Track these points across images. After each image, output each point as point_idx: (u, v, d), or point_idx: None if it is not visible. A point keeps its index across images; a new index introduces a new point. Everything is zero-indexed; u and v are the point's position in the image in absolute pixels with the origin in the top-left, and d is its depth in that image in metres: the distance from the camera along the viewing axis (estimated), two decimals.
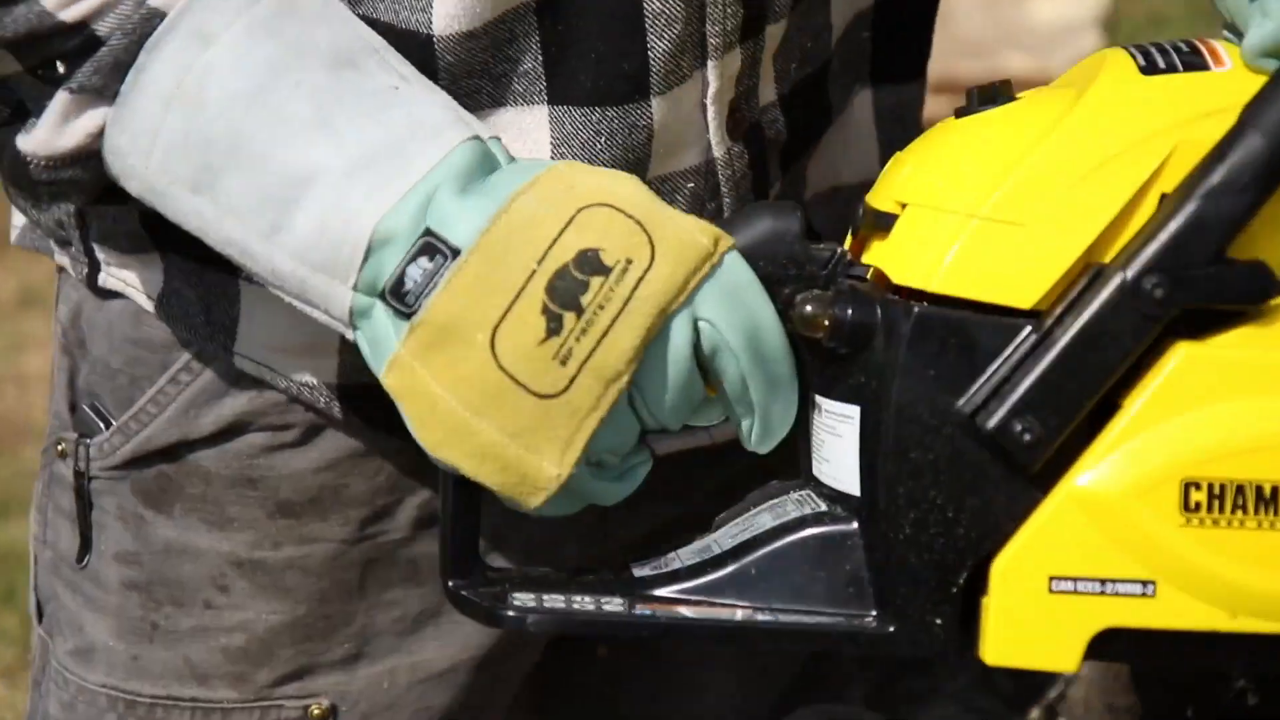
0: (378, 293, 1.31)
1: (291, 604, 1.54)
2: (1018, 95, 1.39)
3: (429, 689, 1.59)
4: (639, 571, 1.39)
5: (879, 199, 1.39)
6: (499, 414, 1.30)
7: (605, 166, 1.46)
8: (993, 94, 1.39)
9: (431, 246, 1.29)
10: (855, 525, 1.36)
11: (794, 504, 1.41)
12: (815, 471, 1.40)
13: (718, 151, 1.52)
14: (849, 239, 1.41)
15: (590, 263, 1.29)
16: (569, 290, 1.28)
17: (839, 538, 1.36)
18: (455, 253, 1.29)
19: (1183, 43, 1.39)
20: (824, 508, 1.38)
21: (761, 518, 1.41)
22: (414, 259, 1.29)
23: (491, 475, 1.32)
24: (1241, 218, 1.30)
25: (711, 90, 1.50)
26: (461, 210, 1.29)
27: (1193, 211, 1.30)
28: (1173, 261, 1.30)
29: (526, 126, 1.46)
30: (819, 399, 1.39)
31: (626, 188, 1.32)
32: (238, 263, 1.37)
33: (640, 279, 1.29)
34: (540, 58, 1.45)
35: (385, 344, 1.31)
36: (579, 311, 1.28)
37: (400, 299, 1.30)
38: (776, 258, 1.36)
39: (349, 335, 1.35)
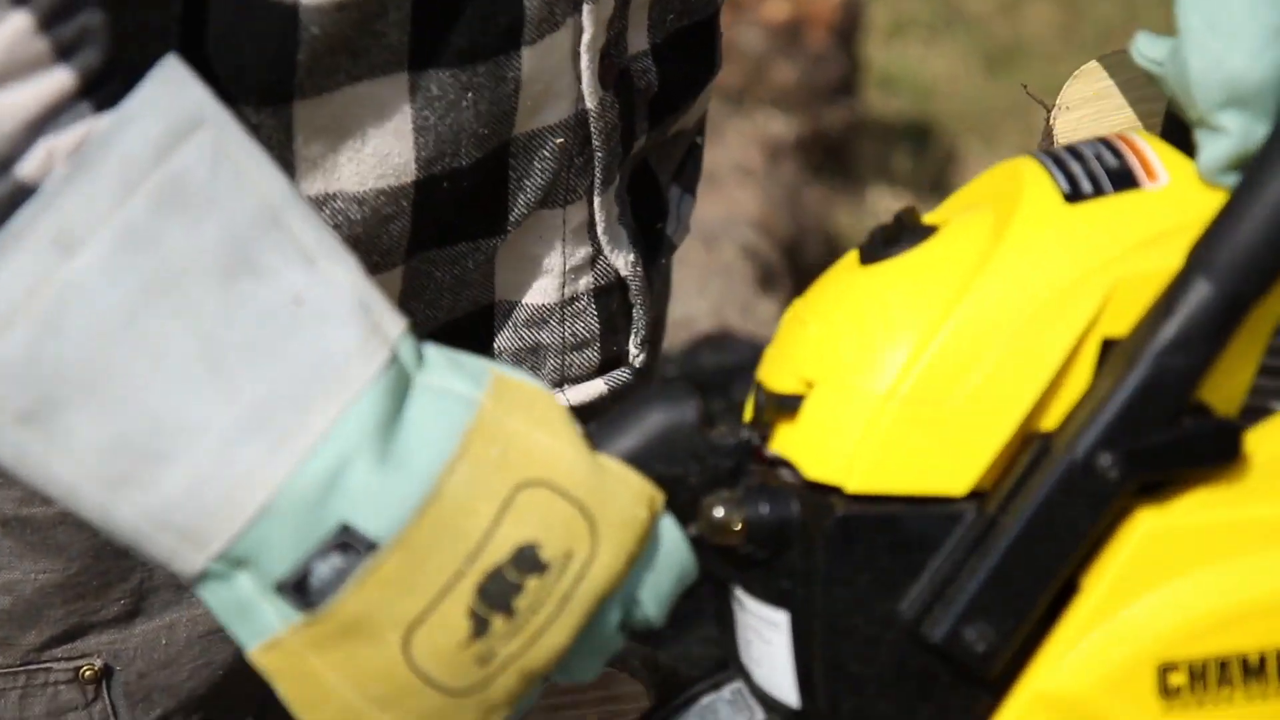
0: (270, 583, 1.11)
1: (64, 562, 1.43)
2: (925, 225, 1.22)
3: (211, 644, 1.50)
4: None
5: (780, 375, 1.22)
6: (404, 709, 1.13)
7: (471, 127, 1.34)
8: (898, 231, 1.22)
9: (347, 543, 1.10)
10: None
11: (728, 710, 1.26)
12: (745, 669, 1.25)
13: (590, 102, 1.40)
14: (748, 412, 1.25)
15: (527, 561, 1.11)
16: (501, 593, 1.11)
17: None
18: (371, 547, 1.11)
19: (1106, 149, 1.22)
20: (761, 717, 1.24)
21: None
22: (324, 555, 1.10)
23: None
24: (1196, 377, 1.14)
25: (586, 37, 1.37)
26: (381, 496, 1.09)
27: (1143, 376, 1.14)
28: (1126, 435, 1.14)
29: (385, 99, 1.32)
30: (741, 595, 1.23)
31: (565, 449, 1.13)
32: (48, 495, 1.17)
33: (580, 575, 1.12)
34: (409, 28, 1.30)
35: (257, 619, 1.13)
36: (510, 614, 1.11)
37: (303, 595, 1.11)
38: (675, 455, 1.19)
39: (179, 573, 1.17)
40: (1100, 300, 1.17)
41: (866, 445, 1.17)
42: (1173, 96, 1.24)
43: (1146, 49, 1.25)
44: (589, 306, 1.53)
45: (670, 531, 1.19)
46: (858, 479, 1.17)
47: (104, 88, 1.12)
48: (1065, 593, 1.18)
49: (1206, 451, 1.16)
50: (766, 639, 1.22)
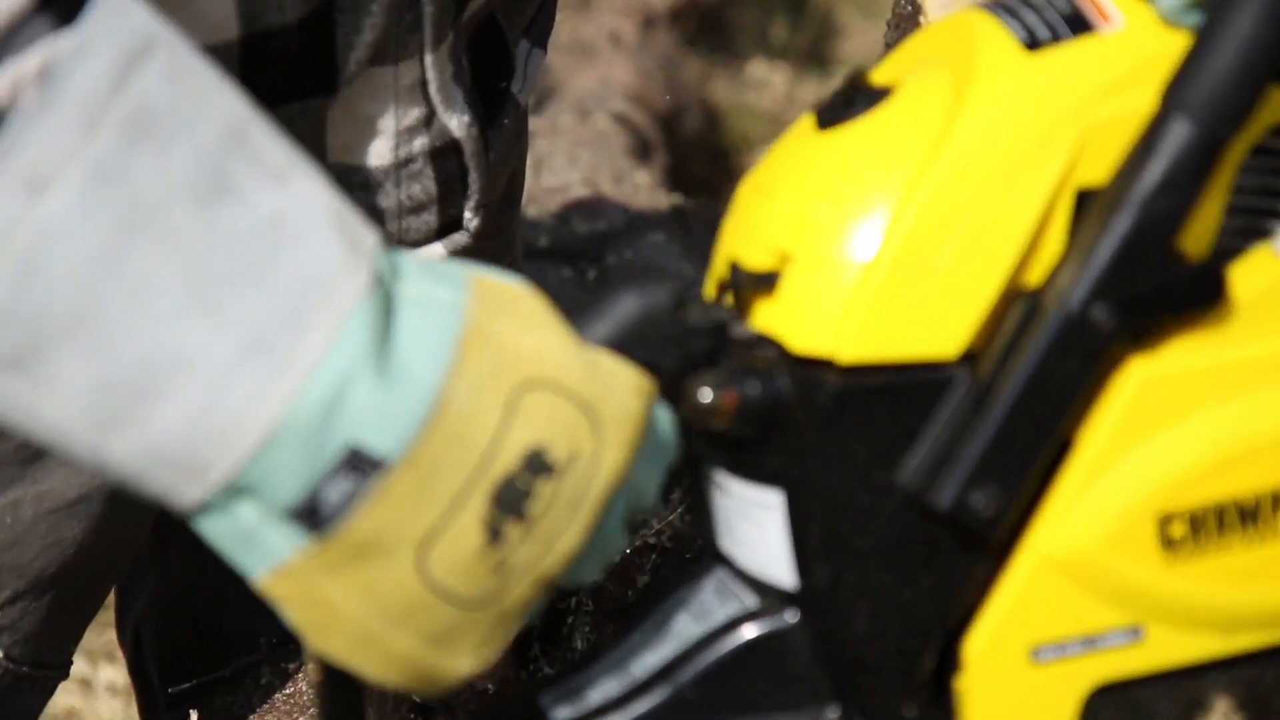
0: (278, 510, 1.06)
1: None
2: (878, 86, 1.19)
3: (59, 520, 1.47)
4: (557, 714, 1.21)
5: (752, 249, 1.18)
6: (418, 624, 1.10)
7: None
8: (852, 94, 1.19)
9: (356, 463, 1.06)
10: (793, 619, 1.20)
11: (714, 597, 1.23)
12: (730, 555, 1.23)
13: None
14: (709, 289, 1.22)
15: (537, 464, 1.08)
16: (514, 500, 1.08)
17: (779, 636, 1.20)
18: (380, 465, 1.06)
19: None
20: (751, 603, 1.21)
21: (680, 621, 1.23)
22: (333, 476, 1.06)
23: (398, 678, 1.13)
24: (1183, 218, 1.13)
25: None
26: (386, 412, 1.05)
27: (1131, 222, 1.13)
28: (1118, 284, 1.13)
29: None
30: (724, 479, 1.20)
31: (557, 347, 1.10)
32: (36, 440, 1.11)
33: (588, 474, 1.09)
34: None
35: (263, 547, 1.08)
36: (523, 520, 1.08)
37: (313, 520, 1.07)
38: (652, 342, 1.16)
39: (174, 511, 1.11)
40: (1072, 149, 1.15)
41: (854, 315, 1.14)
42: None
43: None
44: (425, 168, 1.50)
45: (660, 419, 1.16)
46: (849, 350, 1.14)
47: (58, 2, 1.06)
48: (1061, 451, 1.16)
49: (1195, 295, 1.15)
50: (757, 520, 1.19)
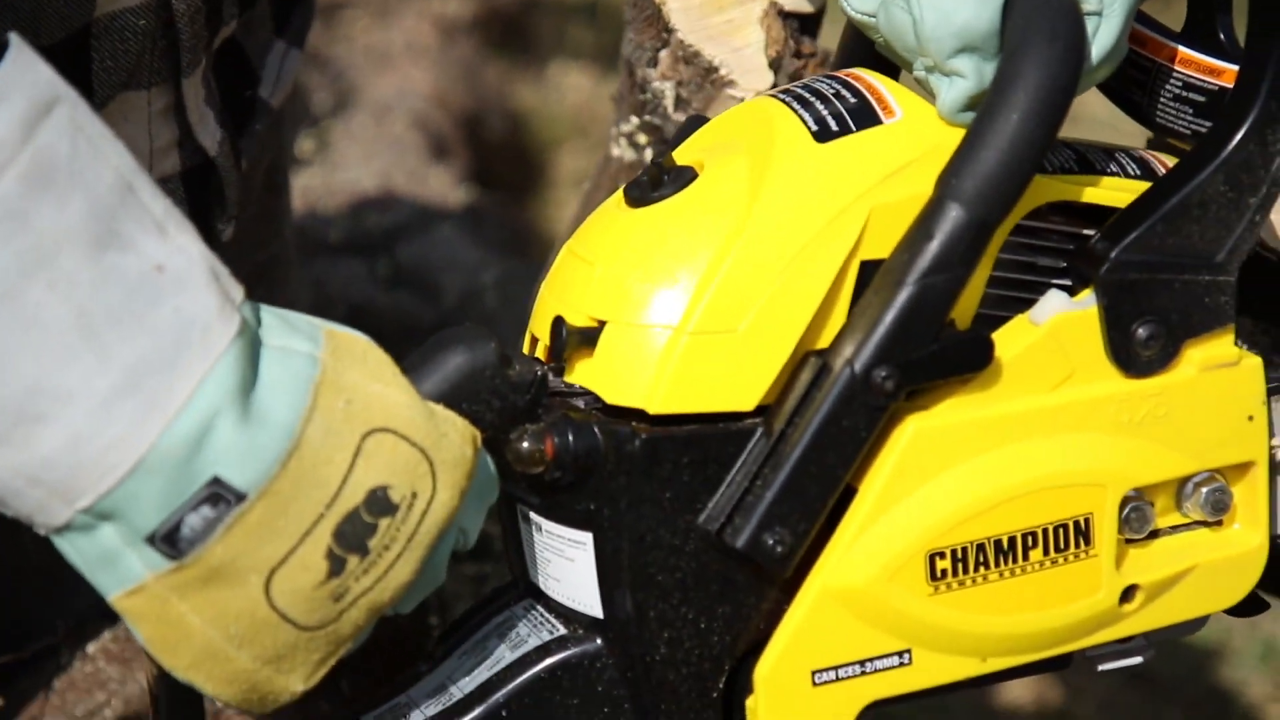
0: (140, 535, 1.16)
1: None
2: (682, 170, 1.32)
3: None
4: None
5: (571, 310, 1.31)
6: (260, 645, 1.20)
7: (52, 6, 1.39)
8: (660, 176, 1.32)
9: (217, 496, 1.16)
10: (600, 643, 1.32)
11: (526, 626, 1.35)
12: (542, 587, 1.35)
13: None
14: (539, 349, 1.33)
15: (379, 503, 1.19)
16: (356, 534, 1.19)
17: (587, 660, 1.32)
18: (241, 497, 1.16)
19: (844, 88, 1.34)
20: (562, 629, 1.33)
21: (494, 646, 1.35)
22: (196, 506, 1.16)
23: (234, 695, 1.23)
24: (956, 293, 1.27)
25: None
26: (247, 449, 1.16)
27: (909, 297, 1.26)
28: (898, 350, 1.27)
29: None
30: (539, 520, 1.32)
31: (401, 397, 1.21)
32: None
33: (424, 512, 1.21)
34: None
35: (121, 568, 1.18)
36: (364, 554, 1.19)
37: (173, 545, 1.16)
38: (478, 395, 1.27)
39: (38, 529, 1.20)
40: (858, 228, 1.29)
41: (663, 371, 1.27)
42: (886, 44, 1.37)
43: (857, 3, 1.37)
44: (178, 188, 1.58)
45: (483, 465, 1.27)
46: (658, 402, 1.27)
47: None
48: (844, 497, 1.30)
49: (964, 360, 1.29)
50: (569, 557, 1.31)
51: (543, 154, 3.42)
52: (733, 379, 1.28)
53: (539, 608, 1.35)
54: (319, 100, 3.20)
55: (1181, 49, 1.40)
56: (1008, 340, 1.32)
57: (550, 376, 1.30)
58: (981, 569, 1.32)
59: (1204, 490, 1.37)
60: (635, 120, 1.72)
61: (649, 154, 1.73)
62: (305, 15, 1.73)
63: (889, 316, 1.27)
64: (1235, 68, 1.36)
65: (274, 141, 1.80)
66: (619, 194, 1.34)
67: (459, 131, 3.01)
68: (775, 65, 1.66)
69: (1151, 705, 2.52)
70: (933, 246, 1.26)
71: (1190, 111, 1.39)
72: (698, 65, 1.67)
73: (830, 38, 1.73)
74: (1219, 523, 1.38)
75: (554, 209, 3.40)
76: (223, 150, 1.56)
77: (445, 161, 2.83)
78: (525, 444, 1.27)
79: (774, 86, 1.67)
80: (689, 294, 1.27)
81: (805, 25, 1.72)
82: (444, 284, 2.50)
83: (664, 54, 1.70)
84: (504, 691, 1.32)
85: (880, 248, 1.29)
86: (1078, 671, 1.43)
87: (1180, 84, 1.39)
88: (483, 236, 2.57)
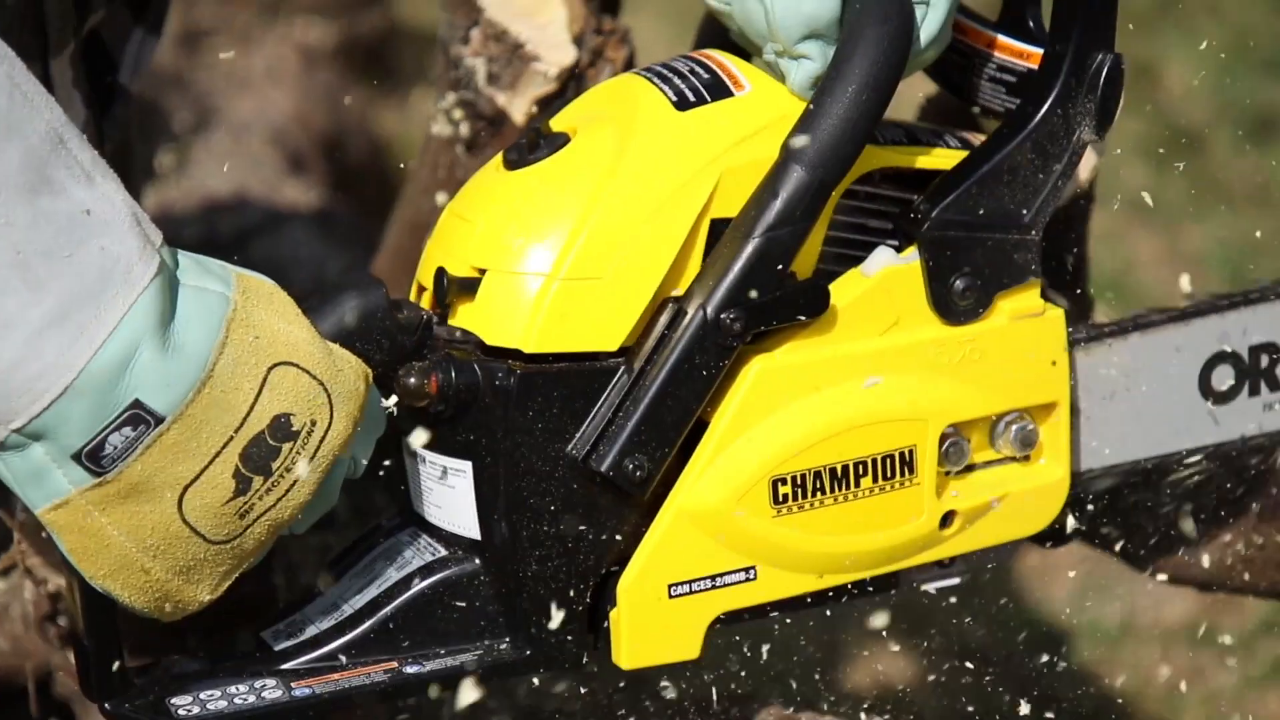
0: (67, 453, 1.29)
1: None
2: (557, 133, 1.47)
3: None
4: (278, 645, 1.46)
5: (454, 262, 1.45)
6: (171, 556, 1.34)
7: None
8: (537, 141, 1.47)
9: (138, 417, 1.29)
10: (477, 563, 1.47)
11: (411, 550, 1.49)
12: (425, 514, 1.49)
13: None
14: (425, 298, 1.48)
15: (282, 429, 1.33)
16: (261, 457, 1.33)
17: (465, 578, 1.47)
18: (159, 420, 1.30)
19: (698, 65, 1.50)
20: (443, 551, 1.48)
21: (381, 568, 1.49)
22: (118, 427, 1.29)
23: (147, 603, 1.36)
24: (797, 246, 1.44)
25: None
26: (166, 377, 1.30)
27: (755, 248, 1.43)
28: (745, 295, 1.43)
29: None
30: (422, 451, 1.47)
31: (303, 334, 1.35)
32: None
33: (323, 438, 1.35)
34: None
35: (48, 483, 1.31)
36: (267, 475, 1.33)
37: (96, 462, 1.30)
38: (370, 336, 1.41)
39: None
40: (711, 188, 1.45)
41: (537, 315, 1.42)
42: (740, 32, 1.53)
43: None
44: None
45: (374, 395, 1.42)
46: (532, 342, 1.42)
47: None
48: (698, 429, 1.46)
49: (805, 305, 1.46)
50: (450, 485, 1.46)
51: (401, 176, 3.54)
52: (599, 322, 1.43)
53: (423, 534, 1.50)
54: (180, 119, 3.30)
55: (998, 36, 1.57)
56: (842, 290, 1.49)
57: (435, 321, 1.45)
58: (818, 494, 1.48)
59: (1014, 428, 1.54)
60: (451, 97, 1.86)
61: (464, 129, 1.86)
62: (162, 3, 1.82)
63: (737, 265, 1.43)
64: (1041, 51, 1.53)
65: (129, 126, 1.90)
66: (497, 159, 1.50)
67: (317, 150, 3.12)
68: (579, 41, 1.80)
69: None
70: (777, 204, 1.43)
71: (1004, 90, 1.57)
72: (506, 42, 1.80)
73: (629, 15, 1.89)
74: (1027, 458, 1.55)
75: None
76: (87, 133, 1.66)
77: (301, 175, 2.94)
78: (412, 380, 1.42)
79: (576, 62, 1.81)
80: (560, 245, 1.43)
81: (606, 3, 1.86)
82: (292, 278, 2.60)
83: (475, 32, 1.83)
84: (391, 607, 1.46)
85: (730, 207, 1.45)
86: (905, 594, 1.59)
87: (996, 66, 1.57)
88: (332, 235, 2.68)
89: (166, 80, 3.38)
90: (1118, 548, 1.73)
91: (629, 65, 1.79)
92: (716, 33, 1.60)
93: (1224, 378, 1.63)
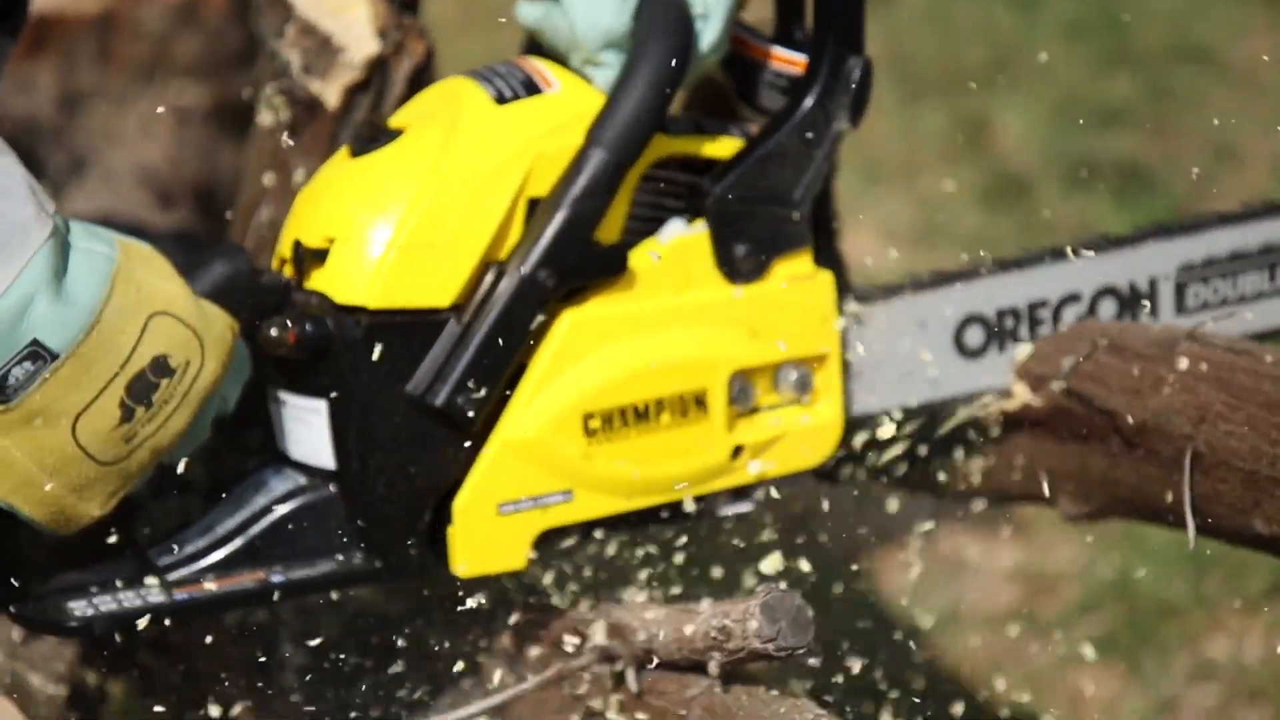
0: None
1: None
2: (393, 129, 1.74)
3: None
4: (161, 559, 1.70)
5: (308, 234, 1.71)
6: (67, 476, 1.58)
7: None
8: (375, 134, 1.73)
9: (36, 354, 1.53)
10: (333, 489, 1.72)
11: (275, 480, 1.74)
12: (286, 450, 1.74)
13: None
14: (288, 269, 1.74)
15: (160, 368, 1.58)
16: (143, 390, 1.58)
17: (323, 502, 1.72)
18: (54, 356, 1.54)
19: (515, 68, 1.77)
20: (304, 480, 1.73)
21: (249, 495, 1.74)
22: (19, 361, 1.53)
23: (45, 517, 1.60)
24: (600, 216, 1.71)
25: None
26: (59, 320, 1.53)
27: (565, 216, 1.70)
28: (556, 256, 1.70)
29: None
30: (283, 395, 1.72)
31: (178, 290, 1.60)
32: None
33: (195, 377, 1.60)
34: None
35: None
36: (149, 406, 1.58)
37: (0, 392, 1.53)
38: (235, 295, 1.67)
39: None
40: (526, 171, 1.71)
41: (379, 276, 1.68)
42: (551, 44, 1.80)
43: (526, 13, 1.81)
44: None
45: (240, 350, 1.67)
46: (376, 299, 1.68)
47: None
48: (519, 373, 1.72)
49: (608, 266, 1.73)
50: (308, 423, 1.72)
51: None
52: (433, 282, 1.70)
53: (285, 467, 1.75)
54: (55, 163, 3.49)
55: (772, 47, 1.85)
56: (640, 254, 1.76)
57: (293, 285, 1.71)
58: (624, 427, 1.74)
59: (793, 375, 1.81)
60: (272, 86, 2.09)
61: (284, 115, 2.10)
62: (21, 7, 1.92)
63: (549, 231, 1.70)
64: (807, 58, 1.81)
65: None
66: (343, 150, 1.76)
67: (188, 191, 3.33)
68: (382, 34, 2.03)
69: None
70: (582, 179, 1.70)
71: (779, 93, 1.84)
72: (316, 36, 2.05)
73: (427, 13, 2.14)
74: (805, 401, 1.83)
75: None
76: None
77: (170, 210, 3.16)
78: (274, 331, 1.68)
79: (380, 53, 2.03)
80: (398, 216, 1.69)
81: (407, 2, 2.09)
82: None
83: (289, 28, 2.06)
84: (258, 527, 1.71)
85: (544, 187, 1.72)
86: (703, 521, 1.85)
87: (772, 73, 1.84)
88: (194, 250, 2.86)
89: (45, 134, 3.59)
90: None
91: (429, 56, 2.04)
92: (534, 47, 1.87)
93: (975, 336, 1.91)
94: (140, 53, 3.38)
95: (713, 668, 1.64)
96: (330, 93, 2.04)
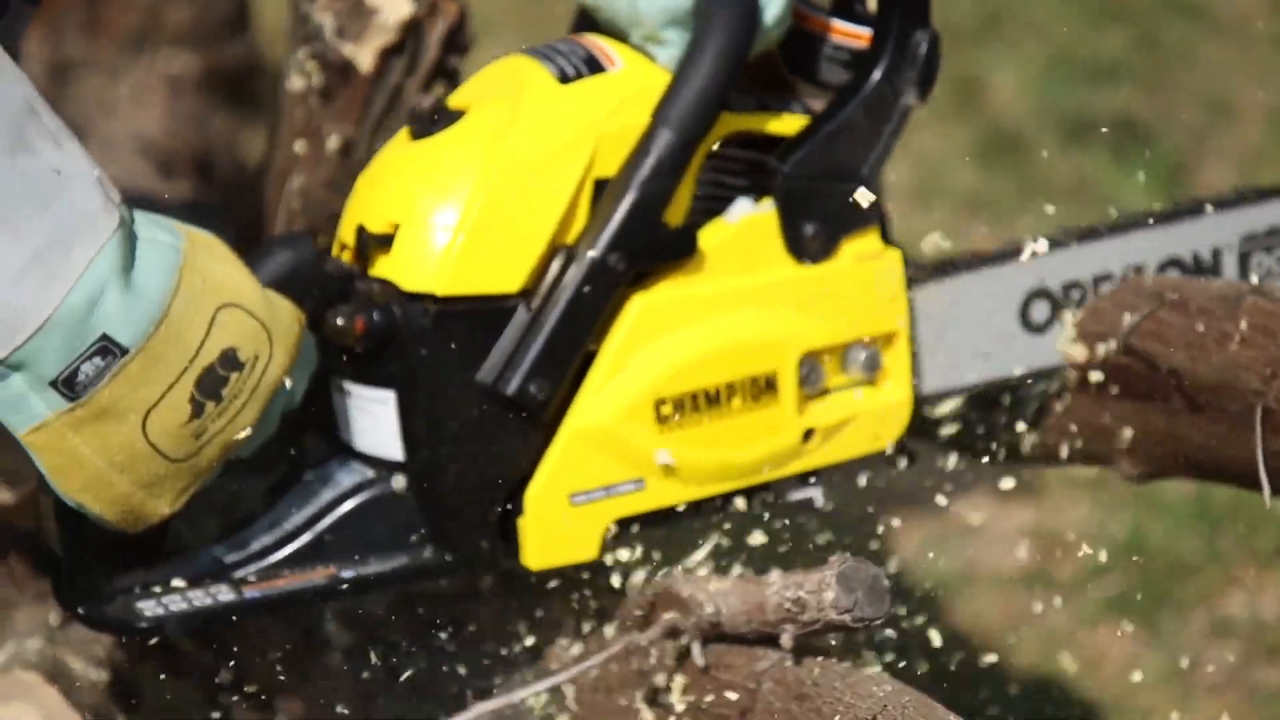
0: (43, 381, 1.48)
1: None
2: (454, 110, 1.70)
3: None
4: (229, 557, 1.67)
5: (371, 219, 1.67)
6: (137, 472, 1.54)
7: None
8: (434, 115, 1.69)
9: (106, 349, 1.49)
10: (402, 481, 1.68)
11: (341, 472, 1.71)
12: (352, 442, 1.70)
13: None
14: (346, 254, 1.70)
15: (230, 361, 1.54)
16: (213, 384, 1.54)
17: (391, 494, 1.68)
18: (124, 351, 1.50)
19: (577, 46, 1.73)
20: (371, 473, 1.69)
21: (316, 489, 1.70)
22: (89, 357, 1.49)
23: (116, 515, 1.56)
24: (668, 197, 1.67)
25: None
26: (128, 314, 1.49)
27: (634, 199, 1.66)
28: (626, 240, 1.66)
29: None
30: (348, 385, 1.68)
31: (245, 280, 1.56)
32: None
33: (264, 370, 1.56)
34: None
35: (28, 409, 1.51)
36: (218, 400, 1.54)
37: (70, 389, 1.49)
38: (299, 284, 1.63)
39: None
40: (592, 151, 1.68)
41: (446, 262, 1.64)
42: (610, 21, 1.76)
43: None
44: None
45: (306, 338, 1.63)
46: (443, 286, 1.64)
47: None
48: (589, 359, 1.69)
49: (678, 249, 1.69)
50: (375, 414, 1.68)
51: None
52: (500, 267, 1.66)
53: (351, 459, 1.71)
54: None
55: (833, 20, 1.81)
56: (709, 235, 1.72)
57: (356, 272, 1.67)
58: (695, 413, 1.71)
59: (861, 355, 1.78)
60: (304, 50, 2.06)
61: (316, 80, 2.07)
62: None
63: (618, 214, 1.66)
64: (870, 31, 1.78)
65: None
66: (403, 132, 1.72)
67: (187, 162, 3.29)
68: None
69: None
70: (649, 161, 1.66)
71: (840, 67, 1.81)
72: None
73: None
74: (873, 381, 1.79)
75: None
76: None
77: (172, 179, 3.12)
78: (340, 321, 1.64)
79: (414, 15, 2.01)
80: (464, 200, 1.65)
81: None
82: None
83: None
84: (327, 521, 1.67)
85: (610, 168, 1.68)
86: (771, 504, 1.82)
87: (832, 47, 1.81)
88: (203, 221, 2.84)
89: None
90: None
91: (462, 18, 2.00)
92: (588, 23, 1.83)
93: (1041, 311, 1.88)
94: (130, 21, 3.34)
95: (785, 640, 1.60)
96: (364, 56, 2.01)
